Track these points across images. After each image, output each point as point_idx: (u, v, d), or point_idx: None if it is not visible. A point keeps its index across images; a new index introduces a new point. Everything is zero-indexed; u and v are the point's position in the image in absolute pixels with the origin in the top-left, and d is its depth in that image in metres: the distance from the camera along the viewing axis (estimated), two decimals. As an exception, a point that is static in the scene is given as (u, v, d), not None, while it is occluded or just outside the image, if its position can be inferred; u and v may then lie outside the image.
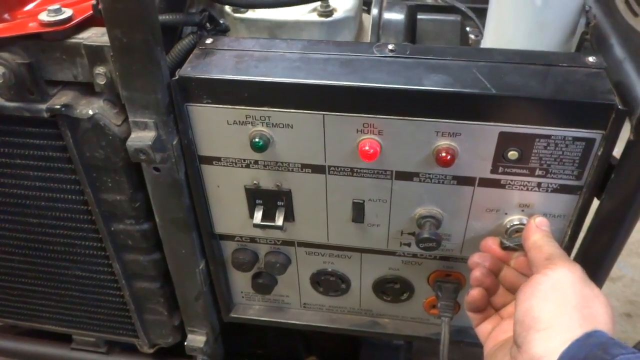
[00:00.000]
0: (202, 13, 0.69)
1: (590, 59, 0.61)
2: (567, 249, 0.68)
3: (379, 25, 0.83)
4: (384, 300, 0.82)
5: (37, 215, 0.77)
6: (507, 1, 0.68)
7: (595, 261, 0.66)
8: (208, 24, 0.70)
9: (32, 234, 0.80)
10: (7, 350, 1.00)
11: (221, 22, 0.71)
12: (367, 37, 0.85)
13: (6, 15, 0.71)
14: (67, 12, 0.63)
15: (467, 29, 0.97)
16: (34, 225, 0.79)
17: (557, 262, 0.55)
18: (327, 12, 0.80)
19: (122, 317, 0.89)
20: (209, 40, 0.67)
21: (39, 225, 0.78)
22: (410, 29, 0.85)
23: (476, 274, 0.66)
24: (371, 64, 0.63)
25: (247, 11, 0.81)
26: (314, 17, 0.80)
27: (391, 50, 0.64)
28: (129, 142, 0.64)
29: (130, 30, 0.57)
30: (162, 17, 0.64)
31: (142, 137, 0.64)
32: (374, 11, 0.81)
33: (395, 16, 0.80)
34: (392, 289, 0.80)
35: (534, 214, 0.65)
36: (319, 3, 0.79)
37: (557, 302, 0.53)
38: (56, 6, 0.63)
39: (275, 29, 0.82)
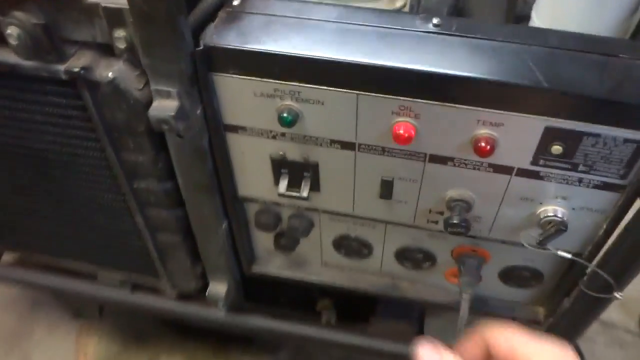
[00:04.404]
0: (229, -33, 0.63)
1: (657, 49, 0.55)
2: (600, 243, 0.65)
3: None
4: (405, 267, 0.81)
5: (61, 169, 0.76)
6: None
7: (627, 258, 0.64)
8: (236, -21, 0.64)
9: (55, 183, 0.79)
10: (33, 282, 1.04)
11: (250, -24, 0.65)
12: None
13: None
14: (84, -33, 0.58)
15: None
16: (57, 178, 0.78)
17: None
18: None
19: (146, 264, 0.90)
20: (236, 1, 0.62)
21: (62, 178, 0.78)
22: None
23: None
24: (412, 40, 0.57)
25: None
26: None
27: (435, 25, 0.58)
28: (150, 112, 0.61)
29: None
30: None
31: (164, 107, 0.61)
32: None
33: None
34: (414, 258, 0.79)
35: (571, 207, 0.62)
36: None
37: None
38: (72, -40, 0.58)
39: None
